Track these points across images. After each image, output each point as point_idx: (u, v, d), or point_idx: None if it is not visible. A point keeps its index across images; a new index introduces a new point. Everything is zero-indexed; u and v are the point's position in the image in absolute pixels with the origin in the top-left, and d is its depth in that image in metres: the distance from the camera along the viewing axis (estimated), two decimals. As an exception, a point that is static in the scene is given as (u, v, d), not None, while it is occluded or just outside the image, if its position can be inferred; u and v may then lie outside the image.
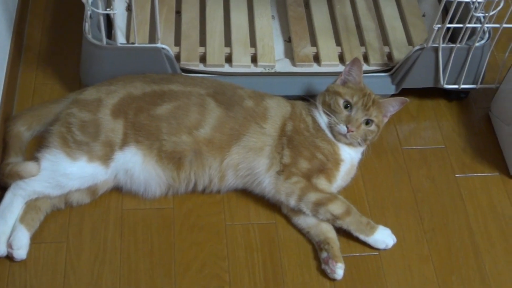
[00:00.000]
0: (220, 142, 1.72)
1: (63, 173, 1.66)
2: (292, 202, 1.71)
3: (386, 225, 1.76)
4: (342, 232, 1.73)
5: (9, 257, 1.62)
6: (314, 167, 1.73)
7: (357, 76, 1.79)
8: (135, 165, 1.71)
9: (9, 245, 1.62)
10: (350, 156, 1.79)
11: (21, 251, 1.62)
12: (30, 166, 1.66)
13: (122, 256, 1.66)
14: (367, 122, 1.76)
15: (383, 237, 1.73)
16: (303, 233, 1.74)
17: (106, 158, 1.68)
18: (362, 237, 1.72)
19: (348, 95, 1.77)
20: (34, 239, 1.66)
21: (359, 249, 1.72)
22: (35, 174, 1.65)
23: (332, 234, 1.71)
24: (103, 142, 1.68)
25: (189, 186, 1.76)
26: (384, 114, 1.81)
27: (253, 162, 1.74)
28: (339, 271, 1.65)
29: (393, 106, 1.80)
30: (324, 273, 1.67)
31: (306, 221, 1.74)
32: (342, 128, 1.74)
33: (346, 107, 1.76)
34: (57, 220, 1.71)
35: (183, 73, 1.92)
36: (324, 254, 1.68)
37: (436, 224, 1.80)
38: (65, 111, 1.74)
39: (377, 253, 1.72)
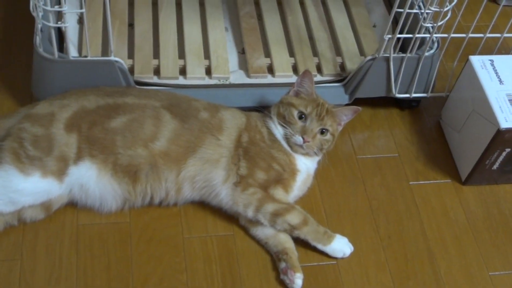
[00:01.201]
0: (176, 155, 1.71)
1: (15, 189, 1.62)
2: (250, 213, 1.71)
3: (343, 233, 1.77)
4: (300, 242, 1.73)
5: (-40, 277, 1.58)
6: (270, 177, 1.74)
7: (309, 87, 1.80)
8: (89, 180, 1.68)
9: None
10: (306, 166, 1.81)
11: None
12: None
13: (78, 272, 1.63)
14: (322, 132, 1.78)
15: (340, 246, 1.74)
16: (261, 244, 1.74)
17: (60, 173, 1.65)
18: (319, 246, 1.73)
19: (302, 106, 1.78)
20: (-13, 258, 1.62)
21: (317, 259, 1.73)
22: None
23: (290, 244, 1.72)
24: (57, 157, 1.65)
25: (146, 200, 1.74)
26: (338, 122, 1.83)
27: (210, 174, 1.73)
28: (298, 281, 1.66)
29: (346, 114, 1.83)
30: (283, 284, 1.67)
31: (264, 232, 1.74)
32: (298, 139, 1.76)
33: (300, 117, 1.78)
34: (10, 237, 1.67)
35: (137, 86, 1.90)
36: (282, 265, 1.68)
37: (392, 231, 1.82)
38: (17, 126, 1.70)
39: (335, 262, 1.73)
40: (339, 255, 1.74)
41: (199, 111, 1.78)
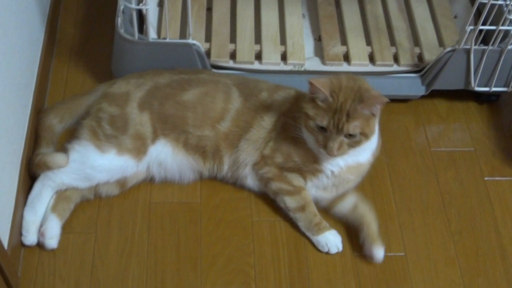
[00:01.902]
0: (233, 137, 1.73)
1: (92, 165, 1.68)
2: (262, 188, 1.76)
3: (412, 225, 1.76)
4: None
5: (39, 246, 1.65)
6: (287, 165, 1.72)
7: (322, 94, 1.58)
8: (166, 157, 1.73)
9: (41, 234, 1.64)
10: (338, 165, 1.70)
11: (52, 241, 1.65)
12: (59, 157, 1.68)
13: (149, 248, 1.68)
14: (350, 135, 1.60)
15: (326, 241, 1.70)
16: (344, 222, 1.75)
17: (138, 152, 1.69)
18: (308, 234, 1.72)
19: (318, 118, 1.59)
20: (64, 229, 1.68)
21: (385, 249, 1.71)
22: (63, 165, 1.67)
23: (367, 218, 1.71)
24: (132, 135, 1.69)
25: (217, 175, 1.78)
26: (371, 112, 1.60)
27: (247, 155, 1.75)
28: (376, 252, 1.67)
29: (373, 107, 1.59)
30: (349, 271, 1.67)
31: (341, 210, 1.75)
32: (323, 152, 1.63)
33: (321, 128, 1.61)
34: (86, 211, 1.73)
35: (213, 70, 1.93)
36: (361, 239, 1.69)
37: (463, 226, 1.79)
38: (96, 106, 1.76)
39: (403, 254, 1.71)
40: (323, 249, 1.70)
41: (262, 91, 1.78)
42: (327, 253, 1.70)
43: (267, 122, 1.74)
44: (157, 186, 1.77)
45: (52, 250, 1.65)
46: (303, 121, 1.64)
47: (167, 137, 1.72)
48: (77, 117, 1.81)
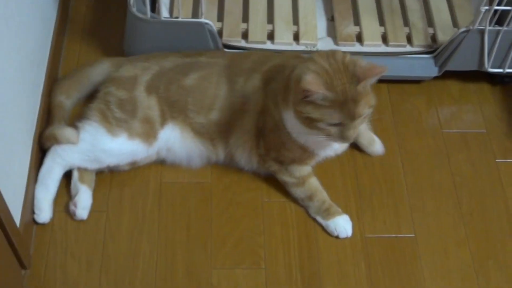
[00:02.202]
0: (225, 127, 1.72)
1: (102, 148, 1.68)
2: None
3: (424, 208, 1.76)
4: (380, 213, 1.73)
5: (49, 226, 1.67)
6: (282, 159, 1.72)
7: (321, 95, 1.48)
8: (175, 141, 1.73)
9: (74, 204, 1.66)
10: (333, 148, 1.73)
11: (84, 211, 1.67)
12: (69, 131, 1.69)
13: (160, 227, 1.69)
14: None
15: (335, 226, 1.69)
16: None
17: (148, 136, 1.69)
18: (317, 218, 1.72)
19: (327, 116, 1.50)
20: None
21: (395, 230, 1.72)
22: (73, 141, 1.68)
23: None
24: (142, 119, 1.69)
25: (224, 161, 1.78)
26: (369, 85, 1.54)
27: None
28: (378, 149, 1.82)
29: (370, 80, 1.52)
30: (359, 253, 1.67)
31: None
32: (341, 143, 1.62)
33: (333, 124, 1.53)
34: (98, 190, 1.74)
35: (225, 49, 1.92)
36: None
37: (474, 208, 1.78)
38: (103, 90, 1.75)
39: (413, 235, 1.72)
40: (332, 233, 1.70)
41: (247, 71, 1.72)
42: (337, 237, 1.70)
43: (252, 107, 1.70)
44: (168, 166, 1.78)
45: (63, 228, 1.66)
46: (304, 124, 1.55)
47: (175, 120, 1.72)
48: (84, 91, 1.82)
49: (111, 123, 1.68)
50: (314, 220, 1.72)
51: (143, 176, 1.77)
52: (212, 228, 1.70)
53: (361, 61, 1.53)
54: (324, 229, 1.71)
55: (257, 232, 1.70)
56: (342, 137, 1.55)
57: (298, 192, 1.73)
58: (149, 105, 1.70)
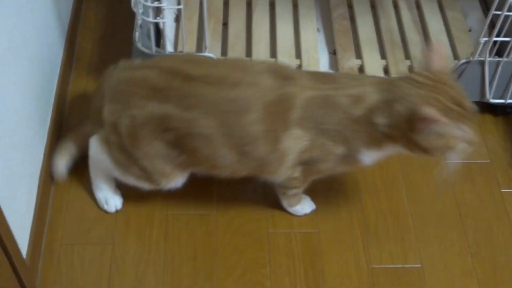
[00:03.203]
0: None
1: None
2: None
3: (429, 238, 1.76)
4: (386, 243, 1.73)
5: (56, 259, 1.67)
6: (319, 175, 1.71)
7: (443, 123, 1.42)
8: None
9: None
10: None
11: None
12: (60, 168, 1.76)
13: (166, 258, 1.69)
14: None
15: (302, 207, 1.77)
16: None
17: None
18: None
19: (455, 142, 1.52)
20: (81, 240, 1.70)
21: (401, 261, 1.71)
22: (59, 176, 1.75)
23: None
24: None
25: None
26: None
27: None
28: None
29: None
30: (365, 284, 1.66)
31: None
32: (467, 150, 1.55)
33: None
34: (104, 222, 1.74)
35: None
36: None
37: (480, 238, 1.78)
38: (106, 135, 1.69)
39: (419, 266, 1.71)
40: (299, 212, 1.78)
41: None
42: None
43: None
44: (173, 198, 1.78)
45: (70, 261, 1.66)
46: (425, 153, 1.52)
47: None
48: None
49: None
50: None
51: (148, 208, 1.78)
52: (218, 259, 1.69)
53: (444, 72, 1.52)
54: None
55: (262, 264, 1.69)
56: (471, 142, 1.50)
57: (298, 192, 1.73)
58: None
